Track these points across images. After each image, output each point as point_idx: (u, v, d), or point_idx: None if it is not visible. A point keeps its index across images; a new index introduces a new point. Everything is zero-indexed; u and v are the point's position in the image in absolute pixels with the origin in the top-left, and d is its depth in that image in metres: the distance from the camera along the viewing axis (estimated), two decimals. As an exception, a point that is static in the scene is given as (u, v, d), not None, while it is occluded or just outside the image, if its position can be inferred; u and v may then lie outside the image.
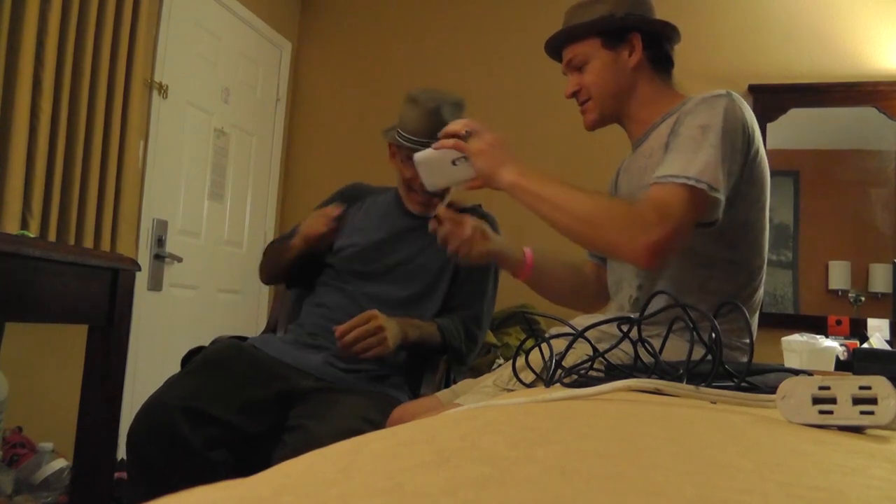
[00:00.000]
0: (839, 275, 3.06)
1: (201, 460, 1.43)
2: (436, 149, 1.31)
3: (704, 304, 1.20)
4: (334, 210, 1.75)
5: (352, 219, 1.82)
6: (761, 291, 1.28)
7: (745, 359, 1.22)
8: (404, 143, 1.68)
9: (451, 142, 1.28)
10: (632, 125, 1.36)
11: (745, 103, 1.21)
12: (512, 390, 1.06)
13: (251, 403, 1.51)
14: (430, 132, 1.59)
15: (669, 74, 1.36)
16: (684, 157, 1.13)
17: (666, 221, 1.08)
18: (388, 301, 1.68)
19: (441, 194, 1.72)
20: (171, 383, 1.53)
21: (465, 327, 1.72)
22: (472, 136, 1.27)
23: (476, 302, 1.76)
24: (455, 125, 1.29)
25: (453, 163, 1.30)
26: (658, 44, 1.33)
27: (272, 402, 1.53)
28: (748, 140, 1.17)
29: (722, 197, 1.11)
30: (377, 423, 1.35)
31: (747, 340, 1.24)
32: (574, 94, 1.37)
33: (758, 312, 1.30)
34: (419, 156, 1.34)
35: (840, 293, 3.03)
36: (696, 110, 1.18)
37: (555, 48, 1.39)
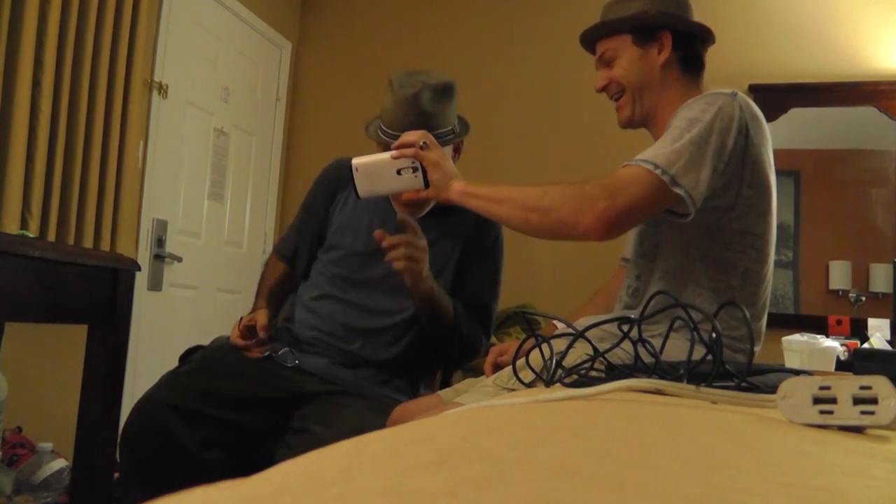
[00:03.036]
0: (840, 275, 3.06)
1: (195, 460, 1.42)
2: (394, 158, 1.29)
3: (699, 298, 1.21)
4: (260, 329, 1.56)
5: (340, 212, 1.70)
6: (764, 297, 1.27)
7: (744, 359, 1.23)
8: (384, 137, 1.55)
9: (411, 151, 1.28)
10: (657, 130, 1.35)
11: (750, 105, 1.21)
12: (512, 390, 1.06)
13: (252, 399, 1.50)
14: (407, 123, 1.49)
15: (699, 76, 1.36)
16: (660, 145, 1.14)
17: (613, 197, 1.10)
18: (381, 313, 1.61)
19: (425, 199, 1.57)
20: (165, 382, 1.50)
21: (472, 322, 1.64)
22: (427, 147, 1.29)
23: (484, 294, 1.67)
24: (412, 136, 1.29)
25: (398, 172, 1.29)
26: (689, 44, 1.33)
27: (275, 400, 1.51)
28: (743, 139, 1.17)
29: (686, 193, 1.10)
30: (382, 429, 1.34)
31: (748, 345, 1.25)
32: (604, 89, 1.38)
33: (764, 318, 1.29)
34: (358, 161, 1.31)
35: (840, 293, 3.03)
36: (693, 105, 1.19)
37: (590, 42, 1.41)
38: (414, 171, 1.28)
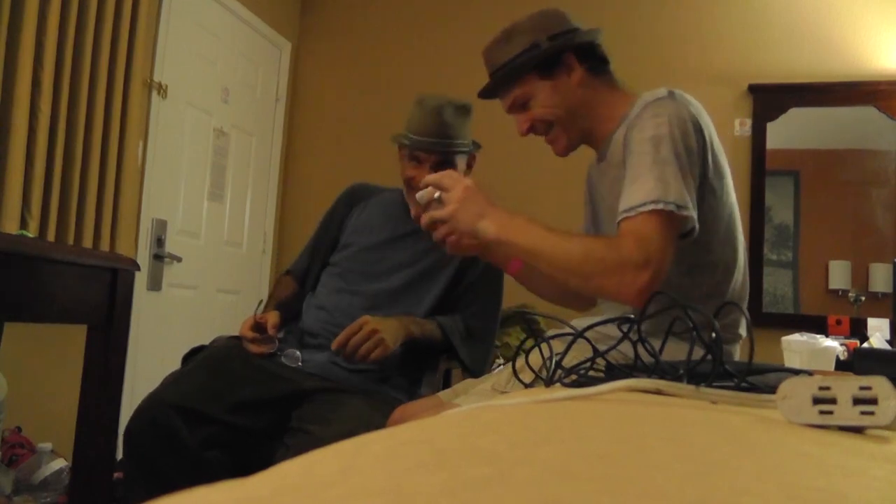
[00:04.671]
0: (839, 274, 3.06)
1: (197, 459, 1.44)
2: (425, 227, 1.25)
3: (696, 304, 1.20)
4: (271, 328, 1.63)
5: (356, 219, 1.83)
6: (742, 277, 1.26)
7: (736, 350, 1.24)
8: (405, 141, 1.70)
9: (426, 218, 1.23)
10: (596, 142, 1.33)
11: (690, 99, 1.19)
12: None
13: (252, 401, 1.52)
14: (430, 131, 1.66)
15: (611, 75, 1.32)
16: (644, 180, 1.10)
17: (651, 260, 1.06)
18: (385, 294, 1.69)
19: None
20: (169, 381, 1.54)
21: (464, 325, 1.71)
22: (441, 200, 1.20)
23: (477, 302, 1.74)
24: (430, 178, 1.23)
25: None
26: (591, 52, 1.29)
27: (275, 400, 1.53)
28: (701, 136, 1.15)
29: (692, 212, 1.09)
30: (381, 427, 1.35)
31: (739, 332, 1.25)
32: (530, 131, 1.33)
33: (746, 301, 1.29)
34: (420, 194, 1.28)
35: (840, 293, 3.03)
36: (642, 122, 1.15)
37: (492, 95, 1.36)
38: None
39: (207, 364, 1.58)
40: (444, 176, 1.21)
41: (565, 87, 1.28)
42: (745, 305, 1.29)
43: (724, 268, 1.23)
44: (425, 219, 1.24)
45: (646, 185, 1.10)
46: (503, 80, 1.31)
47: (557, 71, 1.28)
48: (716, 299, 1.21)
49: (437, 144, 1.66)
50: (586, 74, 1.29)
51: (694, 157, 1.13)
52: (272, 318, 1.65)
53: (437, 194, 1.22)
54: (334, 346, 1.53)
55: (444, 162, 1.68)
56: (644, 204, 1.08)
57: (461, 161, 1.73)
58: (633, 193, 1.11)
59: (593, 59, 1.30)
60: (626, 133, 1.18)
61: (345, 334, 1.53)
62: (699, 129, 1.15)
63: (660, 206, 1.07)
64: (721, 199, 1.20)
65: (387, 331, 1.54)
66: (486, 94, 1.36)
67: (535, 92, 1.29)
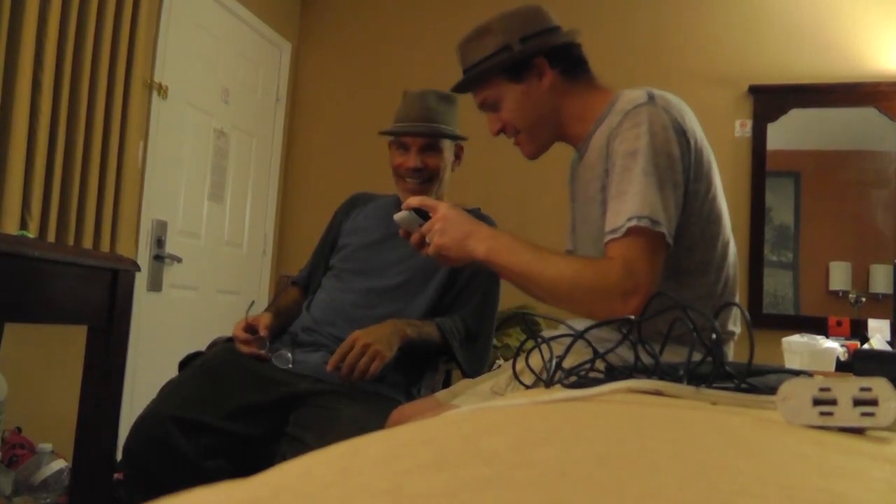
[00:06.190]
0: (840, 276, 3.06)
1: (199, 470, 1.44)
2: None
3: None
4: (262, 330, 1.64)
5: (352, 221, 1.85)
6: (732, 271, 1.24)
7: (731, 348, 1.23)
8: (390, 132, 1.75)
9: (415, 237, 1.21)
10: (571, 140, 1.31)
11: (671, 99, 1.16)
12: (510, 395, 1.06)
13: (249, 407, 1.52)
14: (414, 116, 1.70)
15: (589, 74, 1.29)
16: (624, 198, 1.09)
17: (640, 285, 1.05)
18: (379, 291, 1.69)
19: (431, 185, 1.73)
20: (165, 394, 1.54)
21: (464, 325, 1.70)
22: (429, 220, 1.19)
23: (475, 300, 1.74)
24: (413, 200, 1.23)
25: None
26: (565, 54, 1.26)
27: (271, 405, 1.53)
28: (684, 138, 1.13)
29: (664, 227, 1.07)
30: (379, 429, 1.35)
31: (730, 328, 1.24)
32: (501, 131, 1.31)
33: (737, 291, 1.27)
34: (398, 216, 1.27)
35: (841, 294, 3.03)
36: (622, 131, 1.13)
37: (462, 90, 1.34)
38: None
39: (202, 372, 1.58)
40: (426, 198, 1.22)
41: (536, 93, 1.25)
42: (736, 295, 1.27)
43: (717, 266, 1.20)
44: (415, 237, 1.22)
45: (626, 203, 1.09)
46: (473, 80, 1.29)
47: (527, 75, 1.24)
48: (709, 299, 1.20)
49: (421, 127, 1.69)
50: (558, 79, 1.25)
51: (676, 163, 1.11)
52: (264, 318, 1.66)
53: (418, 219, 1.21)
54: (329, 367, 1.51)
55: (430, 146, 1.70)
56: (621, 226, 1.08)
57: (448, 147, 1.74)
58: (616, 213, 1.10)
59: (567, 62, 1.26)
60: (609, 143, 1.15)
61: (338, 354, 1.50)
62: (682, 133, 1.12)
63: (633, 223, 1.06)
64: (704, 199, 1.17)
65: (380, 341, 1.51)
66: (457, 89, 1.35)
67: (505, 95, 1.26)
